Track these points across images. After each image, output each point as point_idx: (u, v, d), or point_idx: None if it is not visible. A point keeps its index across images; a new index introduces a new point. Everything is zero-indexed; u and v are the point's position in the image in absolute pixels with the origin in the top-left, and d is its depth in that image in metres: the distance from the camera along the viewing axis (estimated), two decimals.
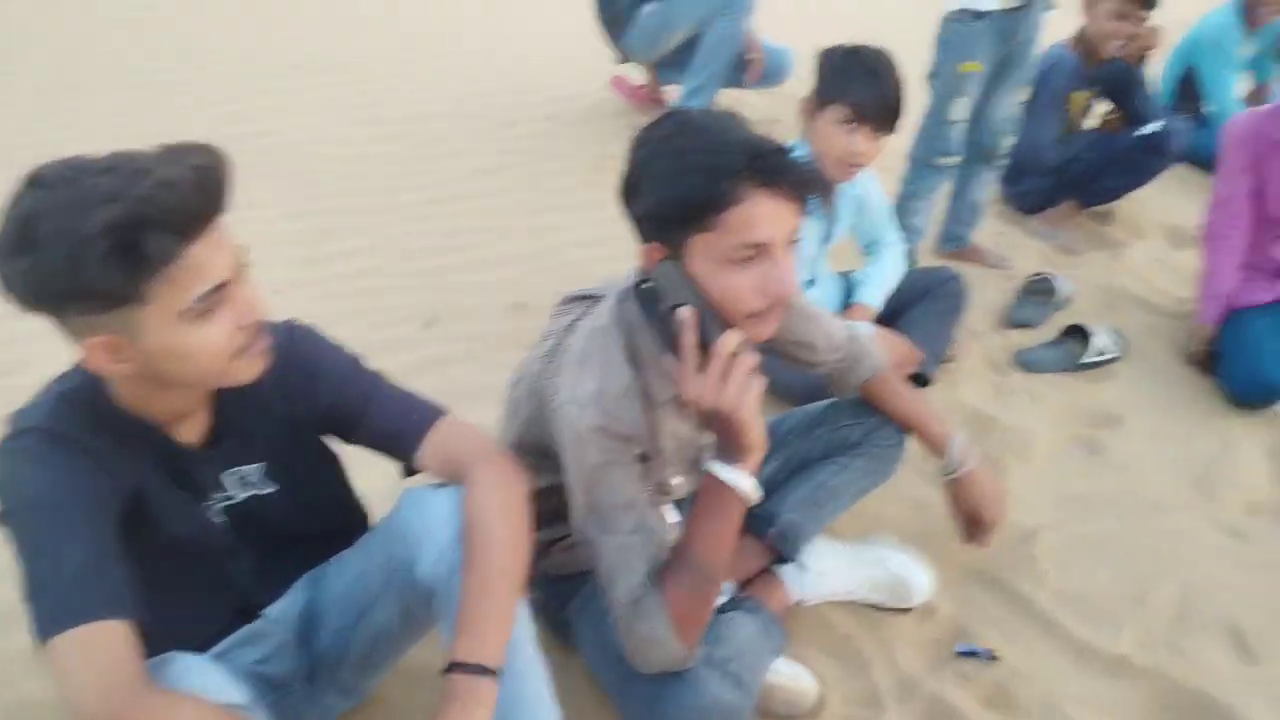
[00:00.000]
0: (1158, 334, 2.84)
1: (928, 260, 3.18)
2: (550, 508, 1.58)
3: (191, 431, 1.34)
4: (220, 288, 1.16)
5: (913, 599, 1.92)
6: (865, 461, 1.93)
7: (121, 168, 1.08)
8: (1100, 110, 3.58)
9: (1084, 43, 3.29)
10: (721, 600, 1.58)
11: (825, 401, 2.00)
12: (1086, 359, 2.66)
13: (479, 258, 3.34)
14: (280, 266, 3.26)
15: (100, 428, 1.23)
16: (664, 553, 1.44)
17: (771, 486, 1.91)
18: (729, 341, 1.30)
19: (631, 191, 1.37)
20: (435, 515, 1.37)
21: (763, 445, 1.37)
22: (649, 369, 1.46)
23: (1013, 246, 3.38)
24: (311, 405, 1.43)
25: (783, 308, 1.38)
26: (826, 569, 1.92)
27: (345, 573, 1.51)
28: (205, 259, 1.13)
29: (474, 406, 2.41)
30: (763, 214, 1.28)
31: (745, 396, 1.30)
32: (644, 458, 1.48)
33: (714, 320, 1.32)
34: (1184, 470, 2.31)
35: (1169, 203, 3.65)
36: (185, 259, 1.10)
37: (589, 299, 1.61)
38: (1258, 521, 2.16)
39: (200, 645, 1.38)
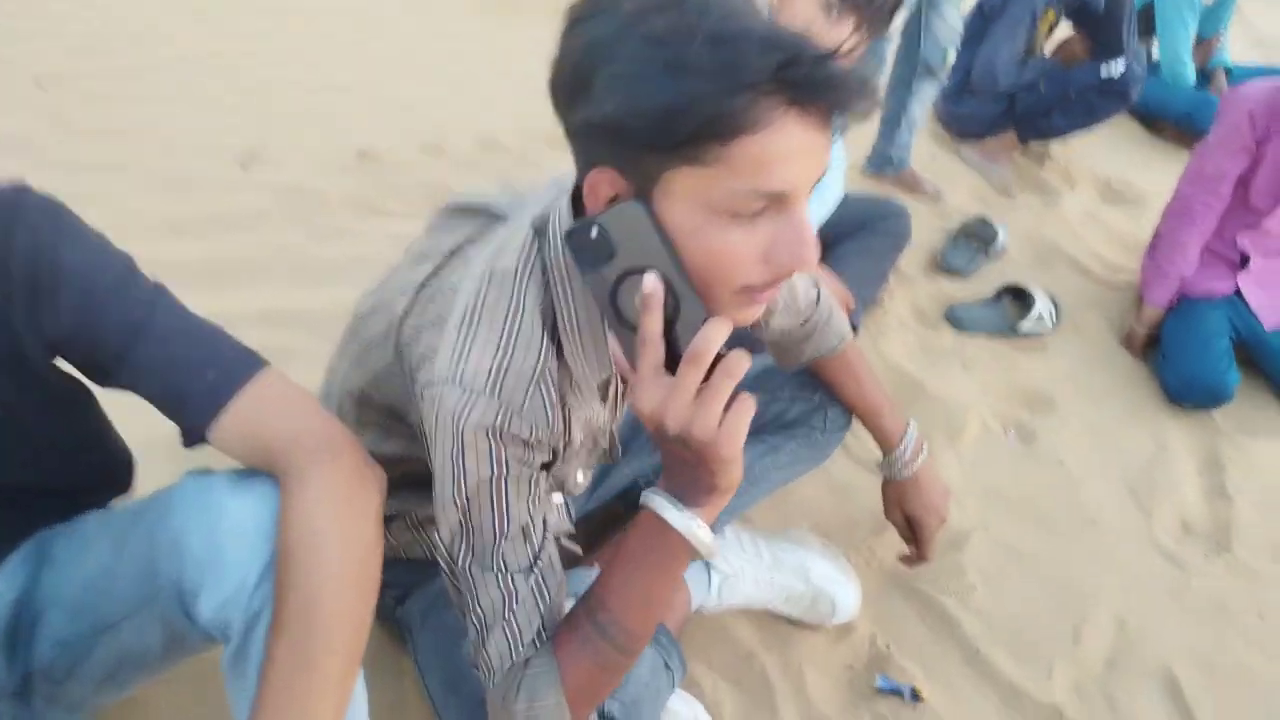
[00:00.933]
0: (1090, 303, 2.57)
1: (854, 183, 2.78)
2: (398, 474, 1.13)
3: None
4: None
5: (834, 618, 1.59)
6: (799, 445, 1.56)
7: None
8: (1060, 35, 3.22)
9: None
10: None
11: (760, 364, 1.58)
12: (1025, 327, 2.36)
13: (320, 83, 2.66)
14: (50, 51, 2.49)
15: None
16: (562, 598, 1.00)
17: None
18: (713, 336, 0.81)
19: (573, 87, 0.82)
20: (234, 530, 0.91)
21: (734, 489, 0.90)
22: (574, 343, 0.98)
23: (944, 176, 3.03)
24: (38, 328, 0.90)
25: (784, 283, 0.92)
26: (738, 570, 1.55)
27: (83, 562, 1.03)
28: None
29: (295, 283, 1.87)
30: (792, 149, 0.79)
31: (731, 425, 0.82)
32: (548, 464, 1.02)
33: (689, 296, 0.83)
34: (1118, 475, 2.06)
35: (1103, 153, 3.39)
36: None
37: (487, 214, 1.09)
38: (1192, 545, 1.93)
39: None
